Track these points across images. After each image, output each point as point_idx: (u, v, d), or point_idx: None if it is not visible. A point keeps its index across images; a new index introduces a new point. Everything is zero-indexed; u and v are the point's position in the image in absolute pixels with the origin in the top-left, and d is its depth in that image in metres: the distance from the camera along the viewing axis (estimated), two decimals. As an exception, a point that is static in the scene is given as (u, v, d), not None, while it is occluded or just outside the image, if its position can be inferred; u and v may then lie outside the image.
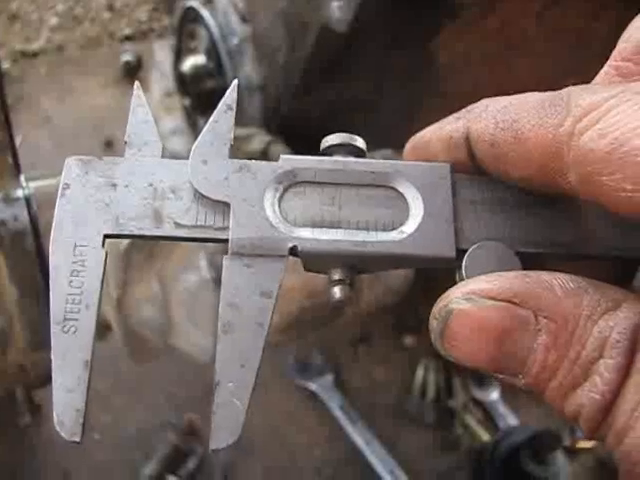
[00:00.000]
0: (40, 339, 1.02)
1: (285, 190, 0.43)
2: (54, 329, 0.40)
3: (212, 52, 1.52)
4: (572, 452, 1.55)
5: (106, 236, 0.41)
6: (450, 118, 0.43)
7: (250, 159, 1.19)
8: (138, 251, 0.90)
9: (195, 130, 1.73)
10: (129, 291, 0.92)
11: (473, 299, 0.36)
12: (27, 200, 0.94)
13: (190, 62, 1.59)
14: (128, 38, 2.51)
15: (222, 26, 1.47)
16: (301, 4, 1.25)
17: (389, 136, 1.49)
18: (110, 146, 2.11)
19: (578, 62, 1.52)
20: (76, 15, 2.52)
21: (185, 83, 1.63)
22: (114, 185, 0.42)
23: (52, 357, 0.39)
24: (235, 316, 0.40)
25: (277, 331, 1.00)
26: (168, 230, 0.41)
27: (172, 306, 0.93)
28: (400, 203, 0.43)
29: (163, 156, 0.44)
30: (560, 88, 0.39)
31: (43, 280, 0.96)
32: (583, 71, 0.46)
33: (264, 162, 0.43)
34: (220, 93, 1.43)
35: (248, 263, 0.41)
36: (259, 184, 0.42)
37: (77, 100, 2.25)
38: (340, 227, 0.42)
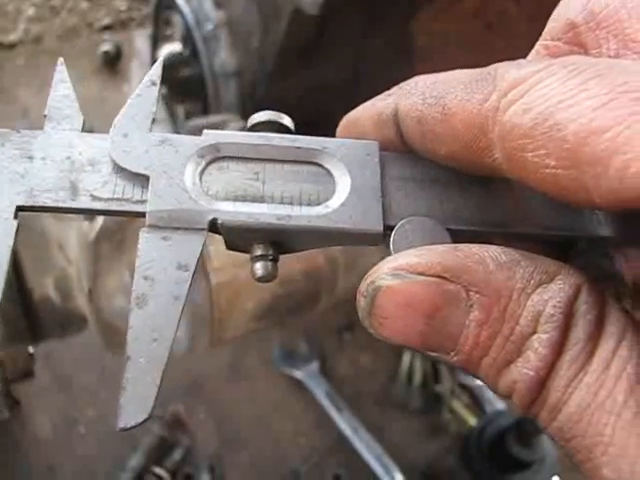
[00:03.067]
0: (17, 333, 1.01)
1: (207, 164, 0.42)
2: None
3: (187, 39, 1.50)
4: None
5: (19, 208, 0.40)
6: (382, 95, 0.42)
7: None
8: (107, 241, 0.88)
9: (174, 119, 1.71)
10: (100, 282, 0.91)
11: (401, 275, 0.35)
12: None
13: (166, 50, 1.57)
14: (107, 28, 2.48)
15: (196, 12, 1.45)
16: (274, -13, 1.23)
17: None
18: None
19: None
20: (54, 5, 2.49)
21: (162, 71, 1.61)
22: (30, 157, 0.41)
23: None
24: (150, 289, 0.39)
25: (253, 319, 0.99)
26: (84, 203, 0.40)
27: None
28: (327, 179, 0.42)
29: (84, 130, 0.43)
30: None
31: (18, 281, 0.95)
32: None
33: (187, 136, 0.42)
34: (196, 81, 1.40)
35: (165, 236, 0.40)
36: (180, 157, 0.41)
37: (56, 91, 2.23)
38: (264, 202, 0.41)
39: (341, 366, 1.84)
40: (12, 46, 2.35)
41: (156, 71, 0.46)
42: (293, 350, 1.82)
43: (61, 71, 0.45)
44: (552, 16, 0.42)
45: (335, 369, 1.83)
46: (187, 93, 1.57)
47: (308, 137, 0.43)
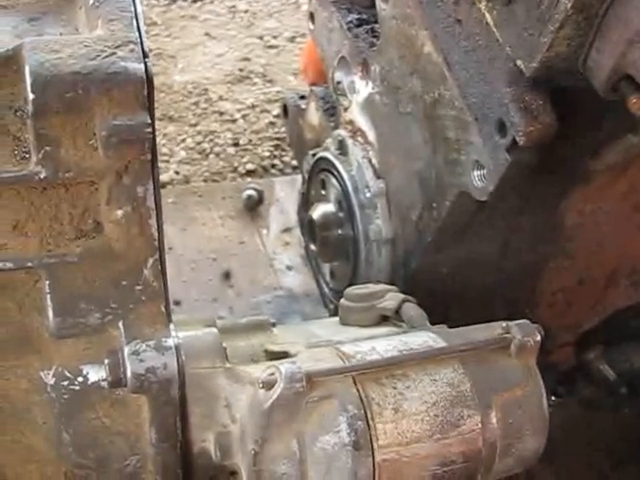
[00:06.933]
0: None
1: None
2: None
3: (343, 202, 1.58)
4: None
5: None
6: None
7: (384, 316, 1.18)
8: (281, 410, 0.92)
9: (318, 276, 1.77)
10: (266, 447, 0.94)
11: None
12: (177, 350, 0.99)
13: (320, 210, 1.64)
14: (250, 172, 2.63)
15: (355, 179, 1.53)
16: (440, 168, 1.29)
17: (513, 297, 1.50)
18: (228, 277, 2.19)
19: None
20: (203, 149, 2.67)
21: (313, 229, 1.68)
22: None
23: None
24: None
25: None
26: None
27: (308, 465, 0.93)
28: None
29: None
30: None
31: (181, 432, 1.00)
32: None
33: None
34: (348, 242, 1.45)
35: None
36: None
37: (198, 231, 2.35)
38: None
39: None
40: (163, 186, 2.51)
41: None
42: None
43: None
44: None
45: None
46: (337, 253, 1.63)
47: None
